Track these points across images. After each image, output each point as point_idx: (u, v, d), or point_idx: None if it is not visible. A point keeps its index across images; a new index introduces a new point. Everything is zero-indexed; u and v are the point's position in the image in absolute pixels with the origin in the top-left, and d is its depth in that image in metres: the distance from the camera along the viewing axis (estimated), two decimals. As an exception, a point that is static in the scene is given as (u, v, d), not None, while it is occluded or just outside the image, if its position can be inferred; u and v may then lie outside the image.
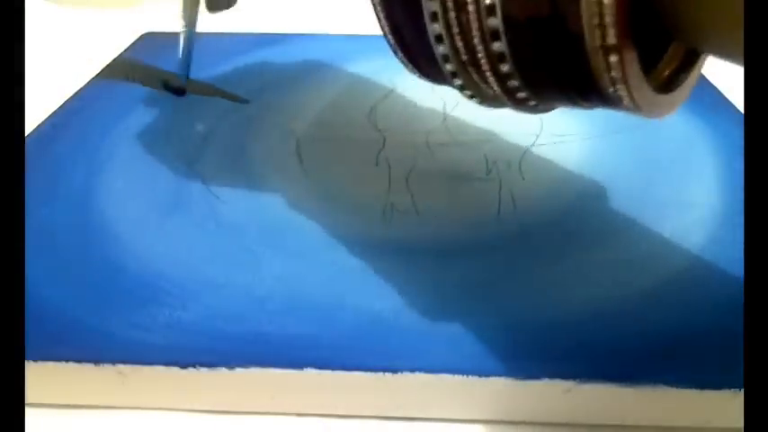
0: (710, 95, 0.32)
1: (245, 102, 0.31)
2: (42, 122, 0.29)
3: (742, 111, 0.31)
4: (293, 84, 0.33)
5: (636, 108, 0.12)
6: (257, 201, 0.24)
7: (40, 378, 0.18)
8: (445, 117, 0.30)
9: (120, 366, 0.17)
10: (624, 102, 0.12)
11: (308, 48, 0.37)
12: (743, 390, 0.17)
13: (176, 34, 0.39)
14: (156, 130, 0.29)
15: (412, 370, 0.17)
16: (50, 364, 0.18)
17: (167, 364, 0.17)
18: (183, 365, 0.17)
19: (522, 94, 0.14)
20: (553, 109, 0.15)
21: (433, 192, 0.25)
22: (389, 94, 0.32)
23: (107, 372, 0.18)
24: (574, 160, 0.27)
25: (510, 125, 0.29)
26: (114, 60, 0.36)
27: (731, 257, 0.21)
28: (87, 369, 0.18)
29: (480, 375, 0.17)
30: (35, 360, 0.17)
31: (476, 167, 0.26)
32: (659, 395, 0.17)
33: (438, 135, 0.29)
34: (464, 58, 0.13)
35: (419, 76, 0.16)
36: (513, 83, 0.13)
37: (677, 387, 0.17)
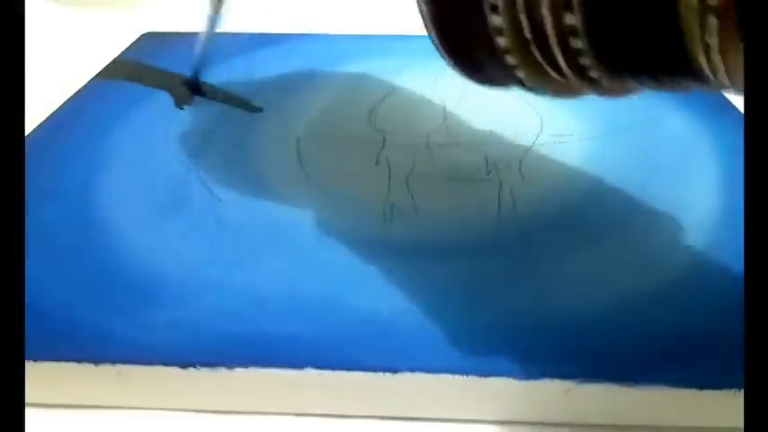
0: (711, 95, 0.32)
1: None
2: (42, 122, 0.29)
3: (742, 111, 0.31)
4: (293, 84, 0.33)
5: (729, 83, 0.11)
6: (257, 201, 0.24)
7: (40, 378, 0.18)
8: (445, 117, 0.30)
9: (120, 366, 0.17)
10: (718, 74, 0.11)
11: (308, 48, 0.37)
12: (743, 390, 0.17)
13: (176, 34, 0.39)
14: (156, 130, 0.29)
15: (412, 370, 0.17)
16: (50, 364, 0.18)
17: (167, 364, 0.17)
18: (183, 365, 0.17)
19: (594, 73, 0.13)
20: (625, 94, 0.14)
21: (433, 192, 0.25)
22: (389, 94, 0.32)
23: (107, 372, 0.18)
24: (574, 160, 0.27)
25: (510, 125, 0.29)
26: (114, 60, 0.36)
27: (731, 258, 0.21)
28: (87, 369, 0.17)
29: (480, 375, 0.17)
30: (35, 360, 0.17)
31: (476, 168, 0.26)
32: (659, 395, 0.17)
33: (438, 135, 0.29)
34: (528, 36, 0.13)
35: (467, 76, 0.15)
36: (585, 60, 0.12)
37: (677, 387, 0.17)
